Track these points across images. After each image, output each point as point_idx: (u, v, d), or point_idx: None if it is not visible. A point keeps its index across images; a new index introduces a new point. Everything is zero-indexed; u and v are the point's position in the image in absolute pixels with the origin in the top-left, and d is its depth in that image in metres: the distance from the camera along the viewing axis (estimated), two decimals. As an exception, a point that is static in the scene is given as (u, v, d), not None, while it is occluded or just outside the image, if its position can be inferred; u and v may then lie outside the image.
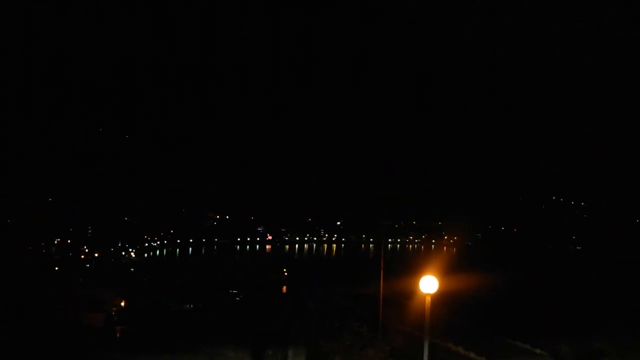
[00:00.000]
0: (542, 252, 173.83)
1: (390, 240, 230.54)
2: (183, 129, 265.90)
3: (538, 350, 25.57)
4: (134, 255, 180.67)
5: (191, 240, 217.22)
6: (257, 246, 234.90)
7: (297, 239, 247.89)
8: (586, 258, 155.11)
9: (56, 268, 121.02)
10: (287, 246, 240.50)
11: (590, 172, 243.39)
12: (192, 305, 68.23)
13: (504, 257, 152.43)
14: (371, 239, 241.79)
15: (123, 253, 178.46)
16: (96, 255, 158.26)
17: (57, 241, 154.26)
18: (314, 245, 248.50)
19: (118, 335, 40.02)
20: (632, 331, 31.18)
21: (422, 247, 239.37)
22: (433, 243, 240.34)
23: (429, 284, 17.97)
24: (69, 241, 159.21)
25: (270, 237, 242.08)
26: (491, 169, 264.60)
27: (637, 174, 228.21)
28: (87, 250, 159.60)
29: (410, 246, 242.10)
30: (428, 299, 17.98)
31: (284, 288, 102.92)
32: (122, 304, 71.14)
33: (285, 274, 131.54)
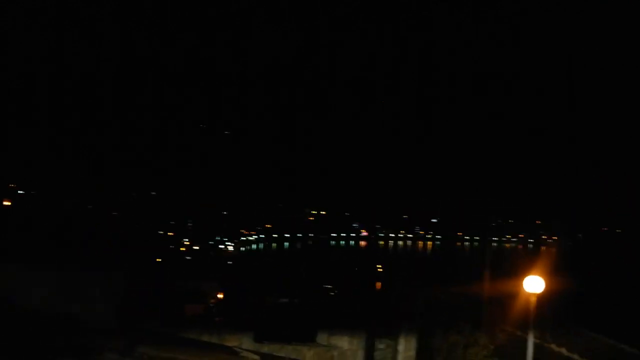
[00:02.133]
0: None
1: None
2: (281, 125, 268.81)
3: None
4: (231, 249, 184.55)
5: (287, 235, 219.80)
6: (352, 242, 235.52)
7: (392, 235, 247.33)
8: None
9: (158, 260, 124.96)
10: (381, 242, 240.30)
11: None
12: (287, 299, 69.22)
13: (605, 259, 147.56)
14: (467, 237, 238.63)
15: (221, 246, 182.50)
16: (195, 248, 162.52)
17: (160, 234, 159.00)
18: (409, 242, 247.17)
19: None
20: None
21: (520, 246, 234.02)
22: (531, 243, 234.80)
23: (534, 284, 17.80)
24: (170, 234, 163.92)
25: (365, 233, 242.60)
26: (594, 167, 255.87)
27: None
28: (187, 244, 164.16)
29: (508, 245, 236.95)
30: (533, 299, 17.82)
31: (378, 284, 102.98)
32: (220, 296, 73.15)
33: (380, 270, 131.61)
